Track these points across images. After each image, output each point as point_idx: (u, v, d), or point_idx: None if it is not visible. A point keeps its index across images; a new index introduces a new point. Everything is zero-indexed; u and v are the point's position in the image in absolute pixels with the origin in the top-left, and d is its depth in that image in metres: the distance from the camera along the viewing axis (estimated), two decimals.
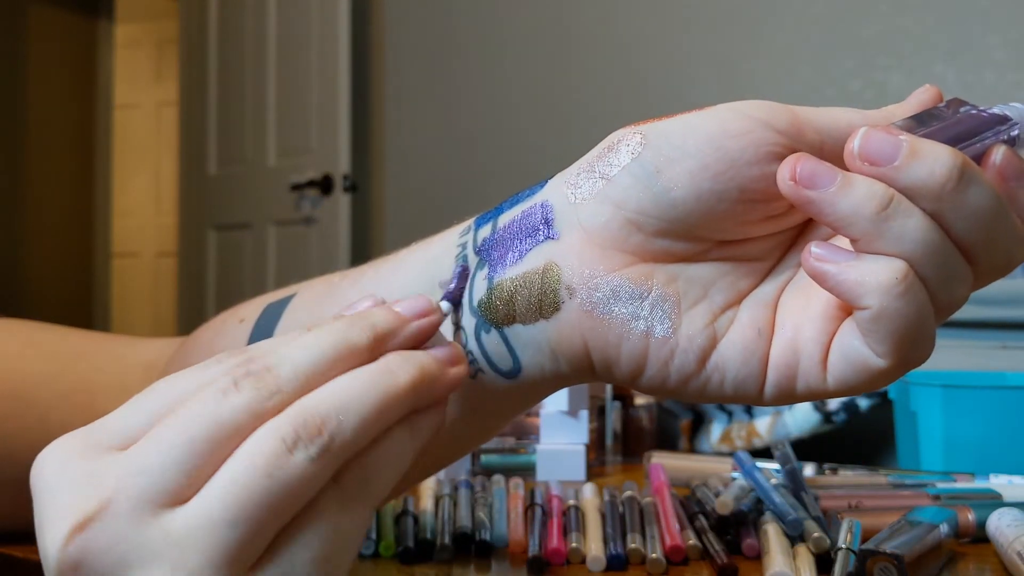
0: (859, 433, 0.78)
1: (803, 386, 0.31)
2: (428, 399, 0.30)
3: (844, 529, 0.44)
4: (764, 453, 0.73)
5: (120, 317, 4.59)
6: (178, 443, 0.26)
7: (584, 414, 0.70)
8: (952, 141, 0.29)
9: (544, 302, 0.32)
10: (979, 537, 0.50)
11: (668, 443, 0.85)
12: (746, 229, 0.31)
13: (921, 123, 0.30)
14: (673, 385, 0.32)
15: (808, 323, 0.30)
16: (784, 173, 0.29)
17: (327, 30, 2.78)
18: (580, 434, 0.69)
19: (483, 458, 0.69)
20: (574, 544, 0.47)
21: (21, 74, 3.79)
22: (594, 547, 0.47)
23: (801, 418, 0.74)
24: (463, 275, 0.34)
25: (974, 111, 0.30)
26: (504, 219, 0.34)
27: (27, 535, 0.49)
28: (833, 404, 0.76)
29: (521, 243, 0.33)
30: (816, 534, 0.46)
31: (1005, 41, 2.10)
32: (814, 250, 0.29)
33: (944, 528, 0.46)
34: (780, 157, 0.29)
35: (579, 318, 0.32)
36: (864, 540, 0.43)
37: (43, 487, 0.27)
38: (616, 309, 0.31)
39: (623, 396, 0.79)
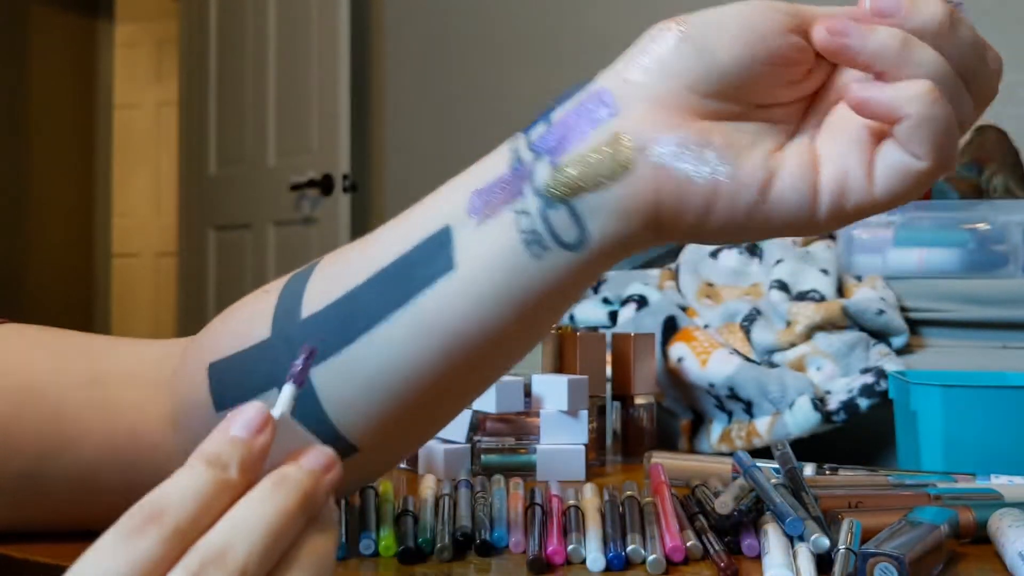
0: (859, 433, 0.78)
1: (853, 202, 0.37)
2: (315, 509, 0.30)
3: (844, 529, 0.44)
4: (764, 453, 0.72)
5: (120, 317, 4.59)
6: None
7: (584, 414, 0.69)
8: None
9: (615, 166, 0.37)
10: (980, 537, 0.50)
11: (668, 443, 0.85)
12: (774, 92, 0.38)
13: None
14: (741, 218, 0.37)
15: (849, 151, 0.37)
16: (820, 29, 0.37)
17: (327, 30, 2.78)
18: (580, 434, 0.69)
19: (483, 458, 0.69)
20: (574, 544, 0.47)
21: (21, 74, 3.79)
22: (594, 547, 0.47)
23: (801, 418, 0.74)
24: (310, 355, 0.33)
25: None
26: (558, 115, 0.39)
27: (27, 535, 0.49)
28: (833, 404, 0.76)
29: (582, 126, 0.38)
30: (816, 534, 0.45)
31: (1005, 41, 2.09)
32: (855, 86, 0.36)
33: (945, 528, 0.46)
34: (795, 31, 0.37)
35: (651, 173, 0.37)
36: (864, 540, 0.43)
37: None
38: (683, 159, 0.37)
39: (623, 396, 0.79)
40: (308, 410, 0.45)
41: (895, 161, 0.36)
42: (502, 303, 0.40)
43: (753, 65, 0.37)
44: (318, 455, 0.31)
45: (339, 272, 0.45)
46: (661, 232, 0.38)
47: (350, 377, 0.44)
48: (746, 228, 0.38)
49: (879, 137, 0.37)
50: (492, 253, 0.40)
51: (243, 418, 0.30)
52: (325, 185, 2.77)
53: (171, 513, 0.27)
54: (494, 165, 0.41)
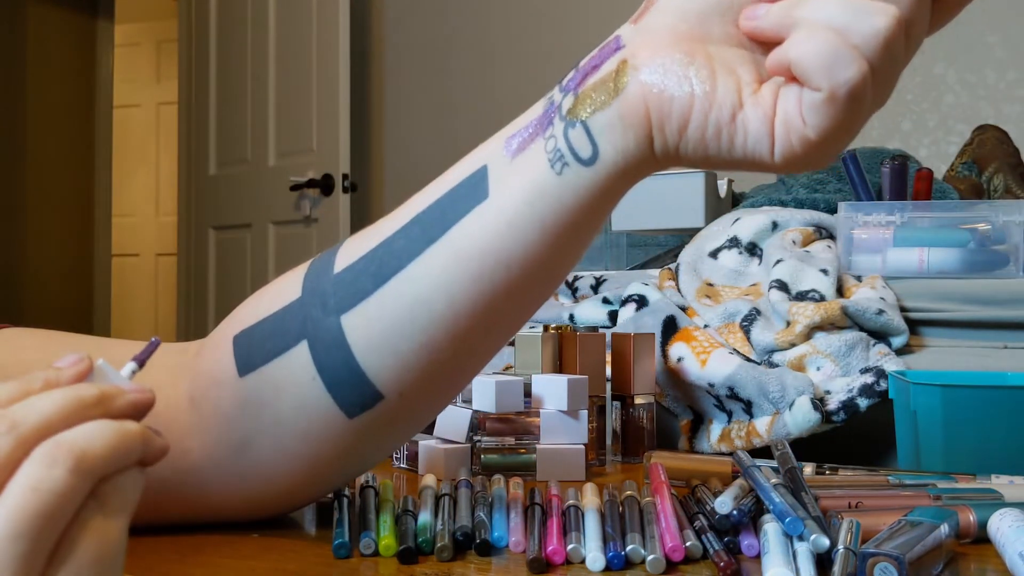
0: (859, 433, 0.78)
1: (796, 142, 0.39)
2: (114, 410, 0.34)
3: (844, 529, 0.44)
4: (764, 453, 0.72)
5: (120, 317, 4.59)
6: None
7: (583, 414, 0.69)
8: None
9: (617, 85, 0.42)
10: (980, 538, 0.50)
11: (668, 443, 0.85)
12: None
13: None
14: (711, 136, 0.41)
15: (790, 92, 0.40)
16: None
17: (327, 30, 2.78)
18: (580, 434, 0.69)
19: (483, 458, 0.69)
20: (574, 544, 0.47)
21: (21, 74, 3.79)
22: (594, 547, 0.47)
23: (801, 418, 0.74)
24: (155, 347, 0.38)
25: None
26: (583, 61, 0.45)
27: None
28: (833, 404, 0.76)
29: (599, 64, 0.44)
30: (816, 534, 0.45)
31: (1005, 40, 2.10)
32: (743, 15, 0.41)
33: (945, 528, 0.46)
34: None
35: (640, 89, 0.42)
36: (864, 540, 0.43)
37: None
38: (668, 76, 0.41)
39: (623, 396, 0.79)
40: (336, 357, 0.47)
41: (807, 98, 0.39)
42: (530, 224, 0.44)
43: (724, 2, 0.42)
44: (129, 384, 0.35)
45: (371, 232, 0.49)
46: (654, 148, 0.42)
47: (382, 318, 0.46)
48: (715, 150, 0.41)
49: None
50: (522, 178, 0.45)
51: (61, 359, 0.34)
52: (325, 185, 2.77)
53: None
54: (529, 112, 0.46)
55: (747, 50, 0.42)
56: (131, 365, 0.37)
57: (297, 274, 0.50)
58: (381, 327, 0.46)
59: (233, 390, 0.49)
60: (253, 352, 0.49)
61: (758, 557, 0.47)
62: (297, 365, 0.48)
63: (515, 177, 0.45)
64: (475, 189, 0.46)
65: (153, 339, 0.39)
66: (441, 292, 0.46)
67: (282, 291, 0.50)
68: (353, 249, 0.49)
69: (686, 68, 0.41)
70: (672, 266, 0.99)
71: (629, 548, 0.47)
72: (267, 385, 0.49)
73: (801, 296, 0.84)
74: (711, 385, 0.80)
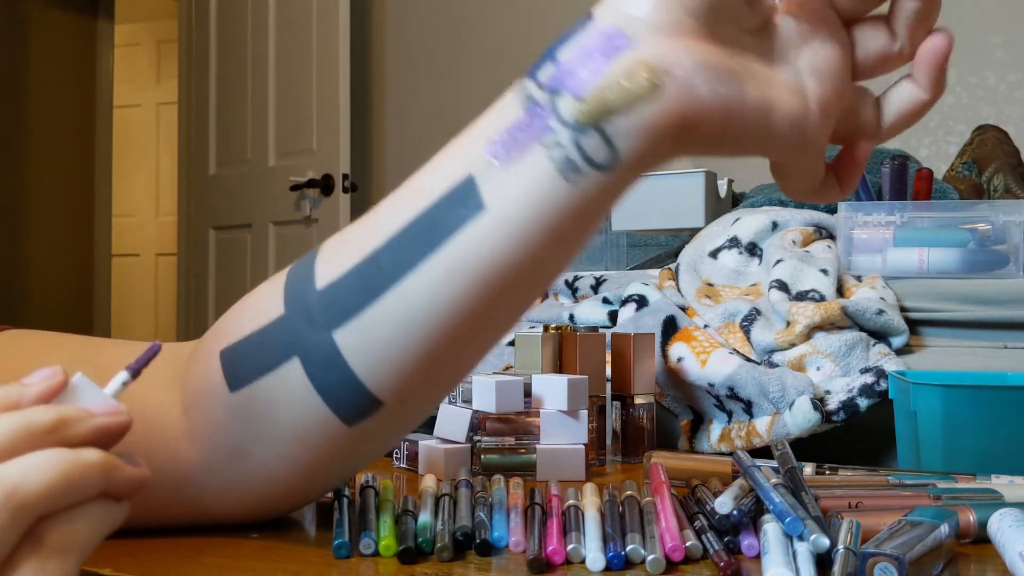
0: (859, 433, 0.78)
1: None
2: (116, 487, 0.32)
3: (844, 529, 0.44)
4: (764, 453, 0.72)
5: (120, 317, 4.59)
6: None
7: (583, 414, 0.69)
8: None
9: (647, 87, 0.40)
10: (980, 538, 0.50)
11: (668, 443, 0.85)
12: (751, 18, 0.43)
13: None
14: (748, 141, 0.41)
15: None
16: None
17: (327, 30, 2.78)
18: (580, 434, 0.69)
19: (483, 458, 0.69)
20: (574, 544, 0.47)
21: (21, 74, 3.79)
22: (594, 547, 0.47)
23: (801, 418, 0.74)
24: (151, 352, 0.36)
25: None
26: (565, 55, 0.42)
27: None
28: (833, 404, 0.76)
29: (597, 59, 0.41)
30: (816, 534, 0.45)
31: (1005, 41, 2.10)
32: None
33: (945, 529, 0.46)
34: None
35: (677, 92, 0.40)
36: (864, 540, 0.43)
37: None
38: (701, 78, 0.40)
39: (623, 396, 0.79)
40: (333, 373, 0.47)
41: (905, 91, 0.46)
42: (538, 231, 0.43)
43: None
44: (104, 405, 0.33)
45: (351, 242, 0.48)
46: (679, 148, 0.42)
47: (379, 333, 0.46)
48: (749, 148, 0.42)
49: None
50: (525, 187, 0.42)
51: (35, 373, 0.33)
52: (325, 185, 2.77)
53: None
54: (505, 112, 0.43)
55: (755, 41, 0.42)
56: (123, 375, 0.34)
57: (276, 287, 0.49)
58: (380, 342, 0.46)
59: (224, 402, 0.49)
60: (241, 368, 0.48)
61: (758, 557, 0.47)
62: (291, 380, 0.47)
63: (516, 187, 0.43)
64: (465, 202, 0.44)
65: (154, 343, 0.36)
66: (441, 305, 0.45)
67: (264, 307, 0.49)
68: (335, 263, 0.48)
69: (718, 73, 0.40)
70: (672, 266, 0.99)
71: (629, 548, 0.47)
72: (260, 398, 0.48)
73: (801, 296, 0.84)
74: (711, 385, 0.80)
